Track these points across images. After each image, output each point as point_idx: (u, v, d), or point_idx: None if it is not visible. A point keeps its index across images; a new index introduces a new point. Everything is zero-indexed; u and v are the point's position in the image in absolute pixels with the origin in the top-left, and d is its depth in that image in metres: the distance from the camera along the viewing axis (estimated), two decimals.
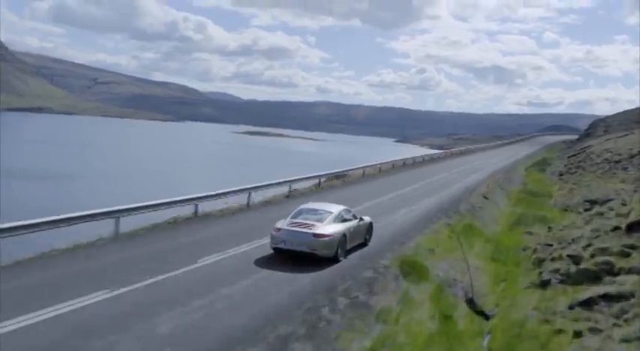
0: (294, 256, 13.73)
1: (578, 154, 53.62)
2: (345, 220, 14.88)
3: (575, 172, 42.18)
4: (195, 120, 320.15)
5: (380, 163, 38.35)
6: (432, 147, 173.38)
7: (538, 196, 32.18)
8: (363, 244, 15.94)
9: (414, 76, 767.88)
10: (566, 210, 26.51)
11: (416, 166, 43.88)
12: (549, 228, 20.83)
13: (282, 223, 14.24)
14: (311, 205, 15.87)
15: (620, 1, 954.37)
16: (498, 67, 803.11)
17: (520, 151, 74.55)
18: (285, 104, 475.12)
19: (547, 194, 33.35)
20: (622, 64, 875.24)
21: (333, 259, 13.95)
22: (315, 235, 13.59)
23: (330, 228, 13.98)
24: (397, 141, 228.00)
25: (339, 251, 14.16)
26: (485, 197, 27.48)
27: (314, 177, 28.37)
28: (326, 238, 13.67)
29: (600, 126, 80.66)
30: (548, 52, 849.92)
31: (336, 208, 15.16)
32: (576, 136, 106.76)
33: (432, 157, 52.36)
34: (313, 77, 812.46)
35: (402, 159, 43.88)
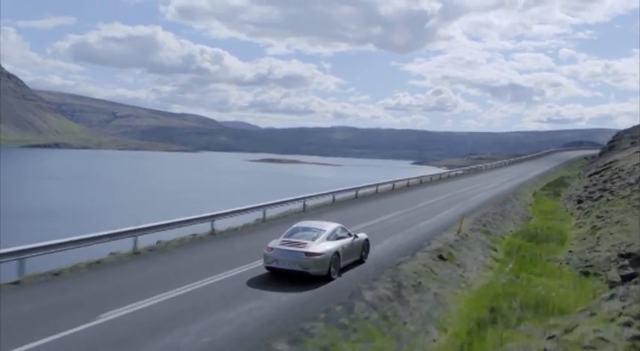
0: (287, 276, 13.50)
1: (603, 171, 43.28)
2: (339, 238, 14.65)
3: (600, 196, 30.01)
4: (212, 149, 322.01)
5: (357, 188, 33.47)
6: (450, 168, 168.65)
7: (542, 242, 20.44)
8: (360, 261, 15.72)
9: (431, 97, 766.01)
10: (587, 274, 15.24)
11: (396, 191, 37.10)
12: (550, 336, 8.14)
13: (274, 242, 14.06)
14: (305, 223, 15.62)
15: (635, 13, 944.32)
16: (515, 86, 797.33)
17: (533, 169, 67.38)
18: (302, 131, 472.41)
19: (558, 237, 21.93)
20: None
21: (327, 278, 13.65)
22: (307, 254, 13.41)
23: (322, 246, 13.79)
24: (415, 163, 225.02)
25: (332, 269, 13.88)
26: (442, 258, 16.17)
27: (291, 201, 25.95)
28: (318, 257, 13.48)
29: (626, 137, 72.18)
30: (566, 68, 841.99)
31: (330, 226, 14.92)
32: (598, 151, 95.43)
33: (421, 180, 44.92)
34: (330, 103, 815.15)
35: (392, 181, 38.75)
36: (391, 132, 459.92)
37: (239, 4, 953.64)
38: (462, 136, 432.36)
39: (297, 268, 13.48)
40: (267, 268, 13.91)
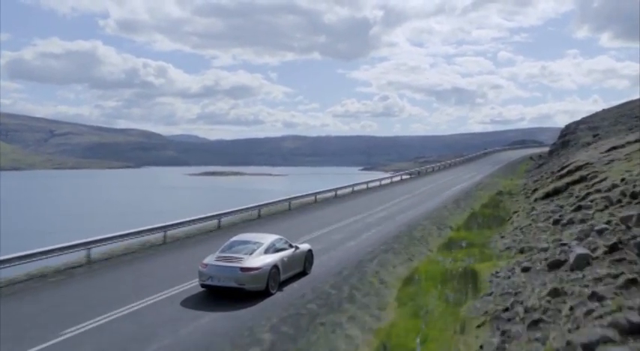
0: (224, 292, 12.91)
1: (569, 186, 25.41)
2: (278, 250, 14.06)
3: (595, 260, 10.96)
4: (159, 164, 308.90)
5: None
6: (397, 172, 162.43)
7: None
8: (303, 273, 15.18)
9: (378, 103, 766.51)
10: None
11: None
12: None
13: (209, 258, 13.47)
14: (243, 236, 14.92)
15: (567, 17, 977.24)
16: (459, 89, 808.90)
17: (462, 177, 51.11)
18: (252, 141, 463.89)
19: None
20: (576, 77, 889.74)
21: (265, 293, 13.04)
22: (243, 269, 12.81)
23: (259, 260, 13.21)
24: (364, 169, 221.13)
25: (271, 284, 13.25)
26: None
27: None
28: (254, 272, 12.86)
29: (582, 129, 59.56)
30: (505, 70, 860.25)
31: (267, 239, 14.33)
32: (546, 148, 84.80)
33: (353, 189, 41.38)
34: (279, 112, 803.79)
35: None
36: (340, 139, 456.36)
37: (181, 15, 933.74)
38: (410, 140, 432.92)
39: (232, 284, 12.78)
40: (202, 285, 13.23)
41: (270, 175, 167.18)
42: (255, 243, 13.85)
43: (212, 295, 13.23)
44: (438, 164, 69.85)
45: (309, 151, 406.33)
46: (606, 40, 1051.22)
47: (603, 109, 68.73)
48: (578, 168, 27.16)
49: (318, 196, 34.12)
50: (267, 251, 13.59)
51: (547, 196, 26.72)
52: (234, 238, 14.55)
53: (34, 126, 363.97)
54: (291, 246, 14.68)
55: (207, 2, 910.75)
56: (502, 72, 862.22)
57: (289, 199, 31.24)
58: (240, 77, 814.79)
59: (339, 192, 37.46)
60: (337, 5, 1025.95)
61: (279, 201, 30.37)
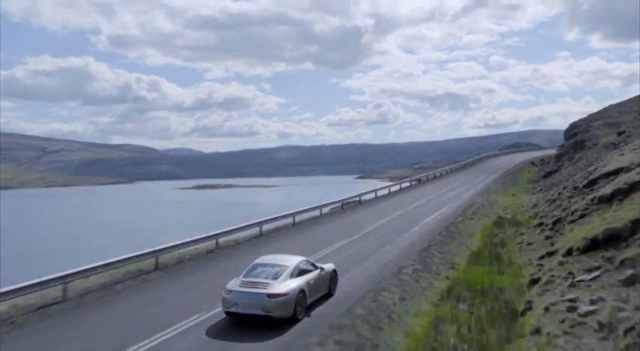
0: (249, 320, 12.13)
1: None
2: (303, 272, 13.28)
3: None
4: (153, 179, 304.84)
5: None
6: (392, 179, 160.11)
7: None
8: (328, 294, 14.37)
9: (372, 111, 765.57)
10: None
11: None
12: None
13: (233, 284, 12.70)
14: (265, 259, 13.97)
15: (557, 19, 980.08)
16: (452, 94, 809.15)
17: (444, 199, 37.63)
18: (247, 153, 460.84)
19: None
20: (568, 79, 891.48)
21: (293, 319, 12.24)
22: (269, 295, 11.97)
23: (285, 285, 12.39)
24: (359, 177, 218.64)
25: (299, 309, 12.44)
26: None
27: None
28: (281, 298, 12.01)
29: (597, 127, 48.84)
30: (497, 74, 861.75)
31: (292, 261, 13.48)
32: (548, 151, 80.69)
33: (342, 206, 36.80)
34: (273, 123, 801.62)
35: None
36: (335, 148, 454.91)
37: (172, 29, 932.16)
38: (404, 147, 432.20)
39: (258, 312, 11.95)
40: (227, 313, 12.43)
41: (264, 186, 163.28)
42: (280, 266, 13.11)
43: (235, 322, 12.42)
44: (422, 175, 58.13)
45: (304, 161, 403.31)
46: (596, 41, 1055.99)
47: (617, 103, 61.87)
48: (632, 185, 16.83)
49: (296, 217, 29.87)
50: (292, 275, 12.90)
51: (592, 247, 14.07)
52: (257, 261, 13.70)
53: (26, 144, 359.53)
54: (315, 267, 14.00)
55: (198, 15, 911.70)
56: (494, 76, 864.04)
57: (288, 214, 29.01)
58: (233, 89, 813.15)
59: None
60: (328, 15, 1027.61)
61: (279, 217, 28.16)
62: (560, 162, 51.03)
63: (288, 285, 12.44)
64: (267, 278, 12.59)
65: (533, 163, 67.20)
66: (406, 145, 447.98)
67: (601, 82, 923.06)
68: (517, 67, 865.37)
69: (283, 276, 12.66)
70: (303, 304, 12.68)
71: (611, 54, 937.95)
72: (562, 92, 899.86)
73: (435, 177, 58.58)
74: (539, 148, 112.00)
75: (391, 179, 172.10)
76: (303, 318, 12.49)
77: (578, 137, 52.23)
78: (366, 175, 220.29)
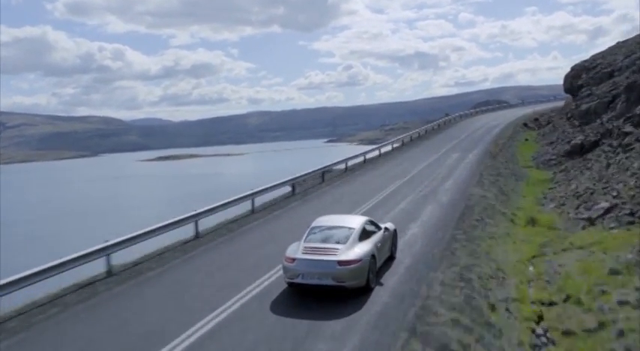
0: (315, 292, 10.65)
1: None
2: (368, 234, 11.76)
3: None
4: (119, 151, 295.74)
5: None
6: (363, 142, 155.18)
7: None
8: (390, 258, 13.04)
9: (342, 73, 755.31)
10: None
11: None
12: None
13: (294, 250, 11.13)
14: (326, 220, 12.42)
15: None
16: (421, 53, 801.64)
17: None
18: (217, 120, 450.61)
19: None
20: (536, 35, 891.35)
21: (366, 289, 10.78)
22: (341, 263, 10.47)
23: (356, 250, 10.91)
24: (329, 141, 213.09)
25: (371, 277, 10.97)
26: None
27: None
28: (354, 265, 10.53)
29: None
30: (466, 32, 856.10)
31: (356, 221, 12.01)
32: (542, 105, 66.62)
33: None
34: (243, 89, 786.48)
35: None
36: (306, 112, 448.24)
37: None
38: (375, 108, 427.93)
39: (329, 282, 10.46)
40: (290, 284, 11.00)
41: (229, 155, 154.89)
42: (345, 228, 11.53)
43: (297, 294, 10.86)
44: (372, 149, 38.79)
45: (275, 127, 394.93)
46: None
47: (617, 44, 47.06)
48: None
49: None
50: (360, 237, 11.32)
51: None
52: (316, 223, 12.07)
53: None
54: (378, 227, 12.51)
55: None
56: (463, 34, 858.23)
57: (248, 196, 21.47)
58: (200, 55, 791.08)
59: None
60: None
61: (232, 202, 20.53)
62: (596, 122, 32.87)
63: (359, 249, 11.01)
64: (333, 243, 11.17)
65: (525, 124, 51.61)
66: (377, 106, 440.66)
67: (568, 36, 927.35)
68: (486, 24, 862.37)
69: (351, 239, 11.22)
70: (374, 270, 11.31)
71: (578, 8, 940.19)
72: (530, 48, 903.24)
73: (394, 150, 41.46)
74: (505, 104, 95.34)
75: (361, 141, 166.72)
76: (374, 287, 11.13)
77: (630, 79, 31.82)
78: (336, 138, 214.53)
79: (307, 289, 10.82)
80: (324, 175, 27.75)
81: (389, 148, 41.41)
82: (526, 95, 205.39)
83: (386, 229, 12.87)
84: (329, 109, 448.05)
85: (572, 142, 33.21)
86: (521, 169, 32.29)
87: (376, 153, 38.11)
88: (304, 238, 11.59)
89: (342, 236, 11.30)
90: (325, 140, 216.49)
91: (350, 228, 11.58)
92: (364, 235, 11.60)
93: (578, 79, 45.41)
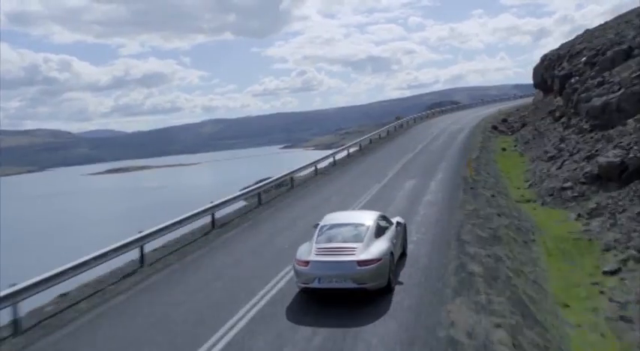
0: (332, 296, 9.71)
1: None
2: (383, 230, 10.83)
3: None
4: (69, 164, 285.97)
5: None
6: (318, 147, 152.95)
7: None
8: (402, 254, 12.00)
9: (296, 78, 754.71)
10: None
11: None
12: None
13: (306, 252, 10.12)
14: (335, 217, 11.42)
15: None
16: (374, 57, 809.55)
17: None
18: (170, 130, 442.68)
19: None
20: (483, 37, 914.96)
21: (387, 290, 9.90)
22: (361, 263, 9.53)
23: (374, 248, 9.98)
24: (285, 147, 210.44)
25: (391, 277, 10.10)
26: None
27: None
28: (374, 265, 9.60)
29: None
30: (417, 35, 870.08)
31: (369, 217, 11.02)
32: (510, 102, 62.73)
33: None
34: (196, 97, 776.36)
35: None
36: (261, 118, 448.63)
37: (78, 4, 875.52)
38: (330, 113, 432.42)
39: (349, 284, 9.47)
40: (305, 289, 9.92)
41: (182, 165, 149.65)
42: (358, 224, 10.55)
43: (312, 300, 9.79)
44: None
45: (230, 134, 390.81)
46: None
47: (596, 27, 42.32)
48: None
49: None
50: (376, 234, 10.40)
51: None
52: (326, 222, 10.99)
53: None
54: (390, 222, 11.55)
55: None
56: (414, 37, 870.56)
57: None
58: (151, 65, 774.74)
59: None
60: None
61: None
62: (631, 125, 22.71)
63: (377, 247, 9.97)
64: (348, 242, 10.07)
65: (495, 127, 43.00)
66: (332, 110, 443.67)
67: (513, 38, 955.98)
68: (435, 27, 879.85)
69: (367, 237, 10.15)
70: (393, 269, 10.33)
71: (522, 10, 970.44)
72: (478, 50, 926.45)
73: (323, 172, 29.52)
74: (456, 105, 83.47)
75: (316, 147, 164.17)
76: (394, 287, 10.07)
77: None
78: (291, 144, 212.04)
79: (322, 294, 9.82)
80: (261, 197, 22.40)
81: (325, 163, 31.43)
82: (477, 95, 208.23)
83: (398, 223, 11.94)
84: (284, 115, 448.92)
85: (600, 159, 20.81)
86: (518, 208, 20.62)
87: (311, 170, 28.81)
88: (315, 238, 10.57)
89: (356, 234, 10.37)
90: (280, 146, 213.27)
91: (364, 225, 10.63)
92: (379, 231, 10.69)
93: (553, 69, 38.86)
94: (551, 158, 27.17)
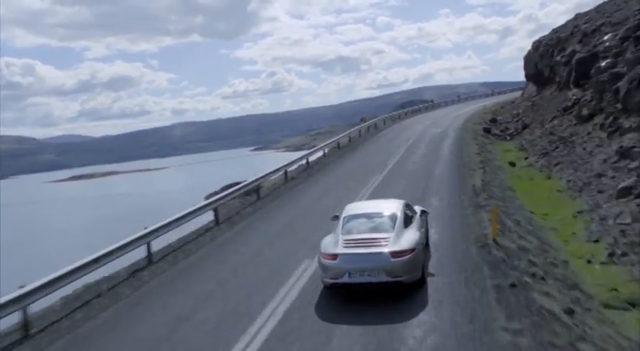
0: (362, 292, 8.88)
1: None
2: (410, 219, 10.11)
3: None
4: (34, 171, 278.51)
5: None
6: (289, 149, 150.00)
7: None
8: (426, 245, 10.79)
9: (266, 80, 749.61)
10: None
11: None
12: None
13: (332, 245, 9.35)
14: (359, 207, 10.75)
15: None
16: (343, 58, 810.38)
17: None
18: (139, 133, 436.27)
19: None
20: (450, 36, 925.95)
21: (420, 283, 9.23)
22: (394, 254, 8.85)
23: (406, 238, 9.29)
24: (255, 149, 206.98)
25: (424, 268, 9.60)
26: None
27: None
28: (408, 256, 8.91)
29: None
30: (385, 35, 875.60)
31: (395, 206, 10.23)
32: (491, 101, 54.99)
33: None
34: (166, 100, 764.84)
35: None
36: (232, 120, 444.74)
37: (41, 6, 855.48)
38: (301, 114, 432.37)
39: (383, 278, 8.75)
40: (333, 285, 9.09)
41: (149, 170, 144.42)
42: (388, 214, 9.82)
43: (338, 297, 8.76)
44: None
45: (200, 137, 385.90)
46: None
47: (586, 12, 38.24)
48: None
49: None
50: (405, 223, 9.71)
51: None
52: (349, 212, 10.13)
53: None
54: (414, 211, 10.75)
55: None
56: (382, 37, 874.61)
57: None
58: (118, 68, 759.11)
59: None
60: None
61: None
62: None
63: (409, 237, 9.28)
64: (378, 232, 9.41)
65: (488, 130, 34.68)
66: (302, 111, 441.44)
67: (480, 36, 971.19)
68: (403, 27, 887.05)
69: (397, 226, 9.45)
70: (424, 260, 9.73)
71: (487, 9, 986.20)
72: (446, 49, 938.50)
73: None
74: (426, 103, 74.44)
75: (287, 148, 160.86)
76: (427, 279, 9.39)
77: None
78: (262, 146, 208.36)
79: (351, 290, 9.09)
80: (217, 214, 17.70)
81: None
82: (446, 94, 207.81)
83: (423, 212, 11.23)
84: (255, 117, 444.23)
85: None
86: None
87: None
88: (340, 229, 9.75)
89: (385, 224, 9.67)
90: (251, 148, 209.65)
91: (392, 214, 9.92)
92: (407, 220, 9.96)
93: (552, 56, 32.90)
94: (626, 192, 16.11)
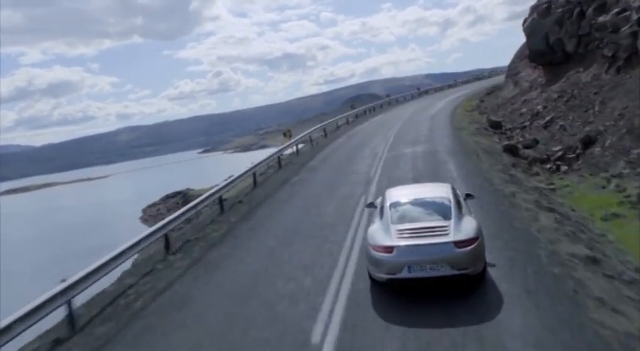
0: (421, 288, 7.65)
1: None
2: (460, 205, 8.61)
3: None
4: None
5: None
6: (238, 150, 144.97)
7: None
8: None
9: (212, 80, 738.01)
10: None
11: None
12: None
13: (382, 236, 7.94)
14: (404, 192, 9.18)
15: None
16: (289, 55, 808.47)
17: None
18: (83, 140, 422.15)
19: None
20: (393, 30, 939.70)
21: (481, 277, 7.93)
22: (458, 244, 7.51)
23: (467, 225, 7.90)
24: (204, 151, 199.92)
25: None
26: None
27: None
28: (473, 245, 7.58)
29: None
30: (329, 30, 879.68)
31: (445, 189, 8.93)
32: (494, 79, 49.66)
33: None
34: (109, 105, 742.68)
35: None
36: (179, 122, 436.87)
37: None
38: (250, 113, 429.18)
39: (447, 271, 7.43)
40: (392, 280, 7.68)
41: (90, 179, 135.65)
42: (441, 198, 8.44)
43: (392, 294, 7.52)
44: None
45: (147, 142, 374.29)
46: None
47: None
48: None
49: None
50: (461, 209, 8.33)
51: None
52: (395, 198, 8.65)
53: None
54: (458, 195, 9.16)
55: None
56: (327, 32, 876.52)
57: None
58: (57, 73, 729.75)
59: None
60: None
61: None
62: None
63: (469, 225, 7.86)
64: (434, 219, 7.99)
65: (512, 151, 19.96)
66: (251, 110, 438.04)
67: (422, 29, 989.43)
68: (347, 22, 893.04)
69: (453, 212, 8.05)
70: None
71: (428, 2, 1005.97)
72: (390, 42, 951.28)
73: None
74: (376, 98, 70.98)
75: (236, 149, 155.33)
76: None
77: None
78: (211, 147, 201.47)
79: (409, 286, 7.63)
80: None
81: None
82: (393, 87, 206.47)
83: (468, 195, 9.69)
84: (202, 118, 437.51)
85: None
86: None
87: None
88: (390, 218, 8.16)
89: (440, 210, 8.18)
90: (199, 151, 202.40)
91: (444, 197, 8.46)
92: (459, 206, 8.37)
93: (579, 22, 24.59)
94: None
